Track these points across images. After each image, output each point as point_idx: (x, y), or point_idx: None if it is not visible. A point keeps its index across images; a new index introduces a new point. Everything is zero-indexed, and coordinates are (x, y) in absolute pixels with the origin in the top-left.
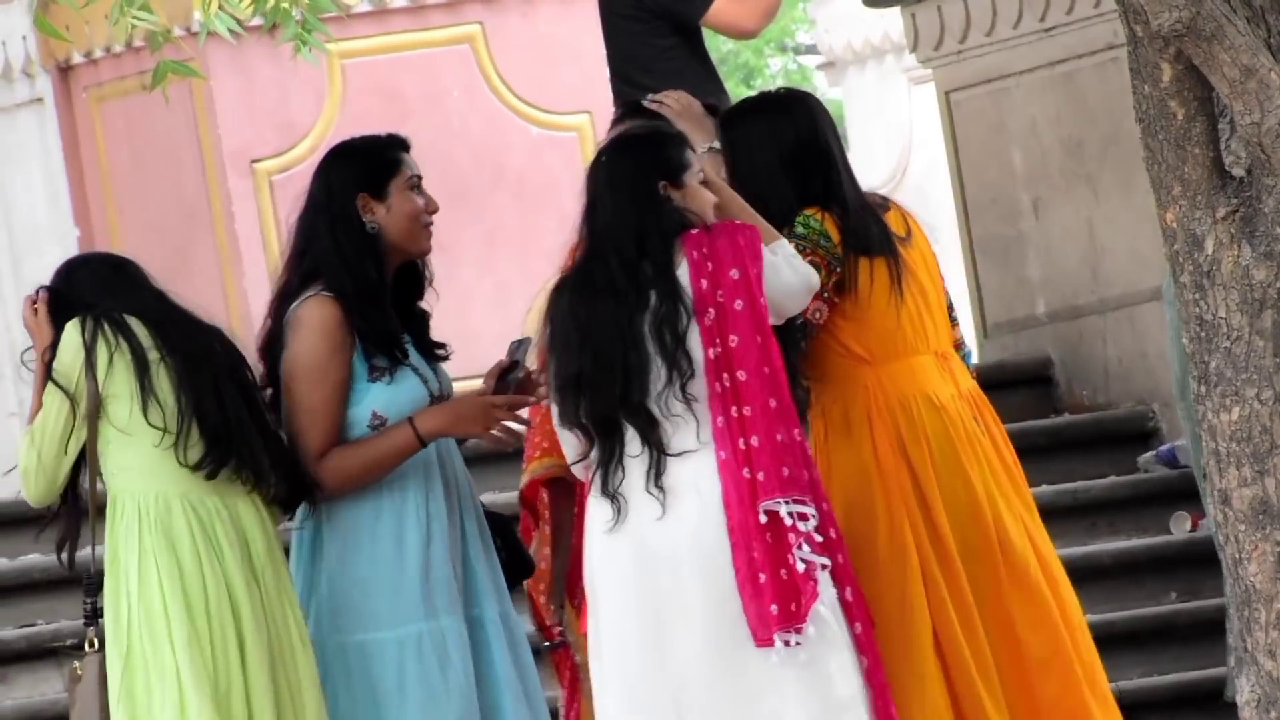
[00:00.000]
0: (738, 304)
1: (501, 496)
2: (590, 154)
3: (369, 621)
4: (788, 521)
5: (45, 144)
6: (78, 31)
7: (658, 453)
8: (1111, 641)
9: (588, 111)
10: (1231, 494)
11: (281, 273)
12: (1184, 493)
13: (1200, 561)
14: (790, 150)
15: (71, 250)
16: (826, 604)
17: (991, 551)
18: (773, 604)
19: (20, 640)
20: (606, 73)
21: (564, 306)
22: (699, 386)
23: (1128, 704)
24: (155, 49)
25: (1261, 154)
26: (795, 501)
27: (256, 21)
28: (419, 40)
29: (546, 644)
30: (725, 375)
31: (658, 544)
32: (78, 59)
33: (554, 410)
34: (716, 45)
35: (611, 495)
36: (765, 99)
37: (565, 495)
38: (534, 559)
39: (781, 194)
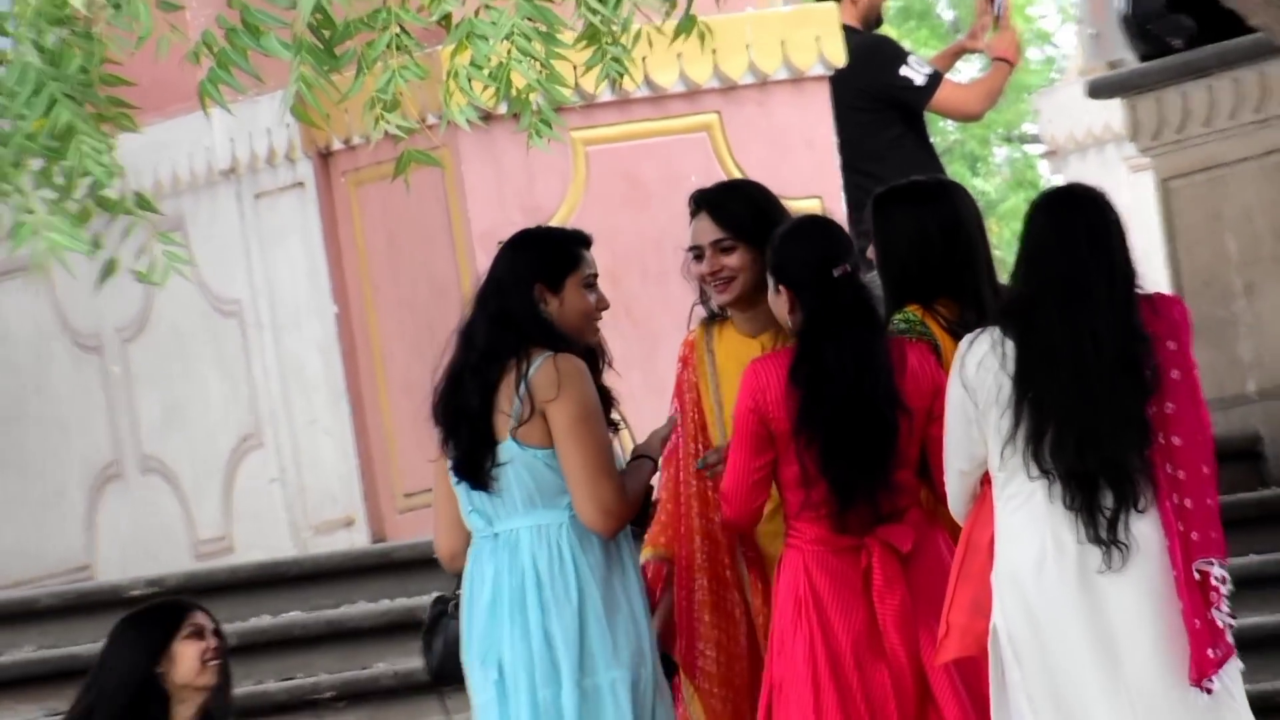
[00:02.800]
0: (1174, 374)
1: None
2: None
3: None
4: (1214, 581)
5: (306, 225)
6: (337, 120)
7: (1124, 508)
8: None
9: (819, 196)
10: None
11: (480, 334)
12: None
13: None
14: (930, 239)
15: (330, 326)
16: (1236, 662)
17: None
18: (1210, 649)
19: (281, 693)
20: (837, 158)
21: (1037, 354)
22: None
23: None
24: (404, 137)
25: None
26: (1220, 565)
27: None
28: (659, 128)
29: None
30: (1160, 434)
31: (1107, 587)
32: (337, 145)
33: (1008, 447)
34: (944, 135)
35: (1084, 540)
36: (914, 187)
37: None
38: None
39: (915, 281)
